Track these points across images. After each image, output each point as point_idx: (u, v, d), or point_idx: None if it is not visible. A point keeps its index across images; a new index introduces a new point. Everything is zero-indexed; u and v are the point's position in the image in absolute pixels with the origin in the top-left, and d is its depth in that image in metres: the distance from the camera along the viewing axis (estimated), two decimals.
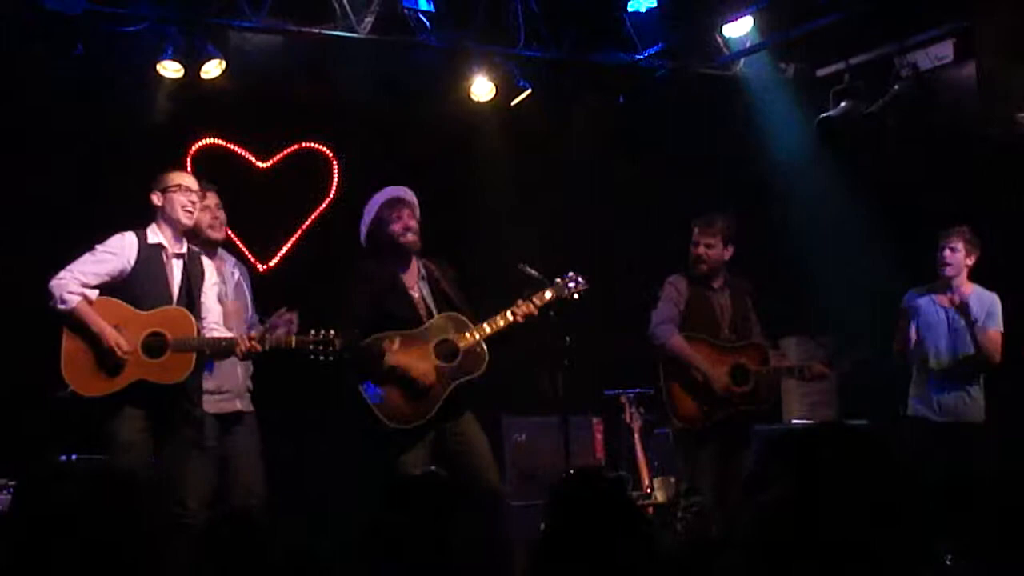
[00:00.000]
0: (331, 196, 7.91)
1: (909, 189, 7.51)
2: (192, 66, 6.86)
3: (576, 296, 5.78)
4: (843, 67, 7.59)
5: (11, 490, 5.58)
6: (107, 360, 5.18)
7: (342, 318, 5.49)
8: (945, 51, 7.19)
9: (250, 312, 5.89)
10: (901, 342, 6.59)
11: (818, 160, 7.89)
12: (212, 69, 6.91)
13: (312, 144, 7.92)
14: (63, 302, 5.18)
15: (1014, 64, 6.87)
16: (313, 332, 5.37)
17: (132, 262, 5.30)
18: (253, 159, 7.75)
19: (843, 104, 7.43)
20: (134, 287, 5.29)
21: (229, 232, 6.21)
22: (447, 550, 3.06)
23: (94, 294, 5.24)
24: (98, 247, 5.31)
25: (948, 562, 3.36)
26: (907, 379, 6.64)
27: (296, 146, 7.88)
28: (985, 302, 6.51)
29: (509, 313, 5.61)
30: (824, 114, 7.52)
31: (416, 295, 5.68)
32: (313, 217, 7.85)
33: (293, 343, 5.38)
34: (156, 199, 5.40)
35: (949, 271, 6.48)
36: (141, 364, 5.21)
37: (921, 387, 6.55)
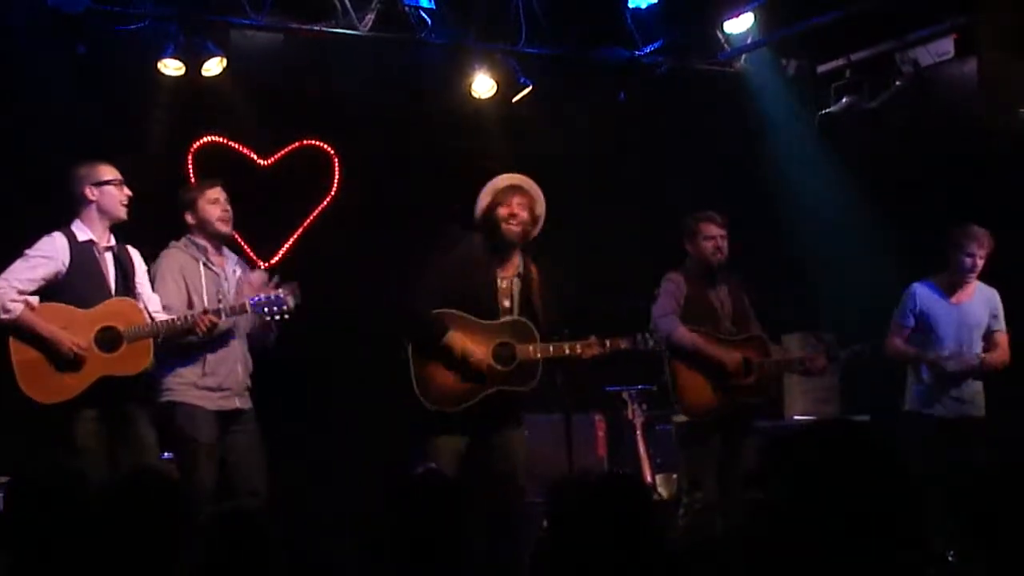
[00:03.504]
0: (332, 193, 7.91)
1: (910, 185, 7.50)
2: (193, 64, 6.85)
3: (645, 352, 5.79)
4: (844, 63, 7.59)
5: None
6: (63, 363, 5.16)
7: (423, 282, 5.51)
8: (946, 47, 7.19)
9: None
10: (895, 349, 6.52)
11: (819, 156, 7.89)
12: (213, 67, 6.90)
13: (313, 141, 7.92)
14: (5, 311, 5.15)
15: (1015, 60, 6.85)
16: (264, 295, 5.42)
17: (67, 263, 5.29)
18: (254, 157, 7.75)
19: (844, 100, 7.44)
20: (72, 286, 5.27)
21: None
22: (448, 549, 3.07)
23: (35, 300, 5.22)
24: (28, 252, 5.30)
25: (951, 559, 3.36)
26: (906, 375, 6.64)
27: (297, 144, 7.88)
28: (989, 300, 6.50)
29: (579, 346, 5.58)
30: (825, 110, 7.52)
31: (504, 287, 5.64)
32: (314, 215, 7.85)
33: (248, 308, 5.44)
34: (90, 193, 5.38)
35: (971, 277, 6.42)
36: (99, 360, 5.20)
37: (920, 382, 6.52)
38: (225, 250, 5.91)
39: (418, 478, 3.43)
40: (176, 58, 6.81)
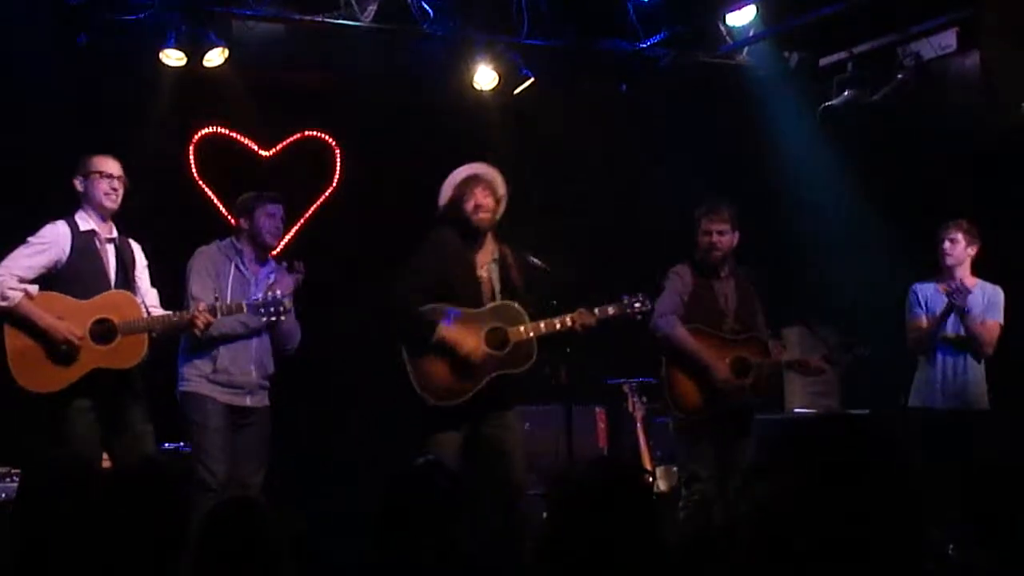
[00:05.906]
0: (334, 185, 7.93)
1: (912, 178, 7.50)
2: (195, 54, 6.85)
3: (638, 317, 5.81)
4: (846, 56, 7.58)
5: (15, 478, 5.59)
6: (58, 353, 5.16)
7: (406, 281, 5.52)
8: (948, 40, 7.18)
9: None
10: (917, 331, 6.59)
11: (820, 149, 7.88)
12: (215, 57, 6.89)
13: (315, 133, 7.93)
14: (4, 299, 5.14)
15: (1017, 53, 6.85)
16: (261, 296, 5.49)
17: (67, 251, 5.29)
18: (256, 148, 7.76)
19: (846, 93, 7.43)
20: (71, 276, 5.28)
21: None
22: (450, 541, 3.07)
23: (34, 288, 5.22)
24: (31, 239, 5.30)
25: (951, 552, 3.37)
26: (908, 370, 6.64)
27: (299, 135, 7.89)
28: (988, 294, 6.54)
29: (568, 319, 5.60)
30: (827, 103, 7.51)
31: (484, 275, 5.65)
32: (316, 205, 7.86)
33: (244, 308, 5.49)
34: (78, 184, 5.41)
35: (950, 261, 6.53)
36: (93, 352, 5.20)
37: (925, 376, 6.55)
38: (271, 260, 5.97)
39: (419, 469, 3.43)
40: (178, 48, 6.80)
